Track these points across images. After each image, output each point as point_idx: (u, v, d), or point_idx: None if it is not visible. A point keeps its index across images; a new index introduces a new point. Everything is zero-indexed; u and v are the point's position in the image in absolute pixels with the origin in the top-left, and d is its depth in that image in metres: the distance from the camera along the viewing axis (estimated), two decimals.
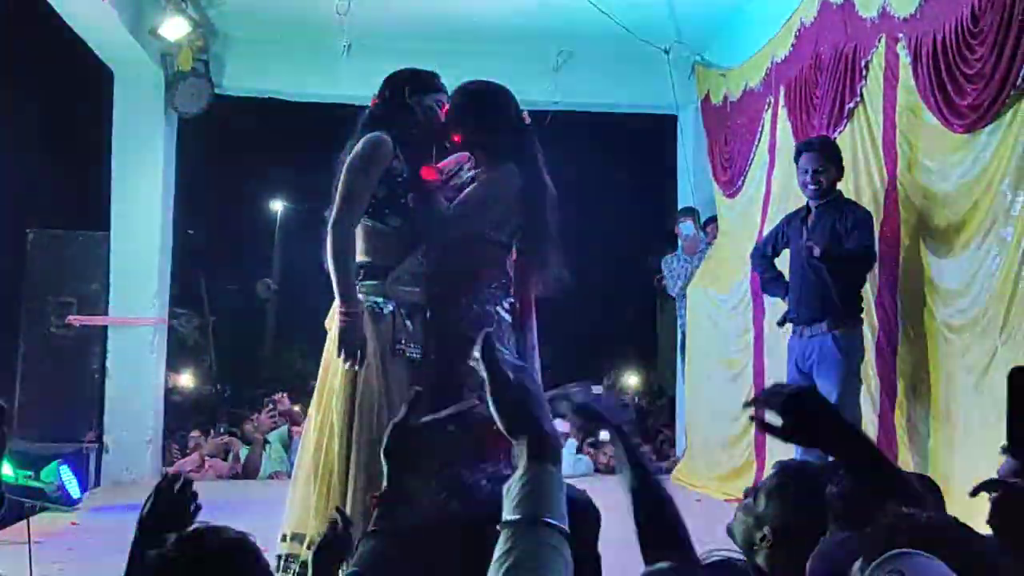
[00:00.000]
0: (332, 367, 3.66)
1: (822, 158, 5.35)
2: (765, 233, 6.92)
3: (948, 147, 5.02)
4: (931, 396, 5.07)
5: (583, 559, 1.68)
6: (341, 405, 3.58)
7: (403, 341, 3.70)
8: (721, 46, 8.48)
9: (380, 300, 3.69)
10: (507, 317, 3.87)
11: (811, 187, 5.36)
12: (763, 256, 5.84)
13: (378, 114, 3.86)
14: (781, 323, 5.61)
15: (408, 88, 3.87)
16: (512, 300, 3.91)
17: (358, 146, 3.72)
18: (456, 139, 3.96)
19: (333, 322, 3.68)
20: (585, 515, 1.98)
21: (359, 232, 3.71)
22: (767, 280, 5.88)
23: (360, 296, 3.67)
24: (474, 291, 3.83)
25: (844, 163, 5.48)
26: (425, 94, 3.87)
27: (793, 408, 1.93)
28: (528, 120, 4.04)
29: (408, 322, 3.73)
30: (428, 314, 3.81)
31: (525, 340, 3.94)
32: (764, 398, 2.01)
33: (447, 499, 1.75)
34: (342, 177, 3.69)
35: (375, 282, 3.70)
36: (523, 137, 3.98)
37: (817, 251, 5.12)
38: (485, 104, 3.99)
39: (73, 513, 6.42)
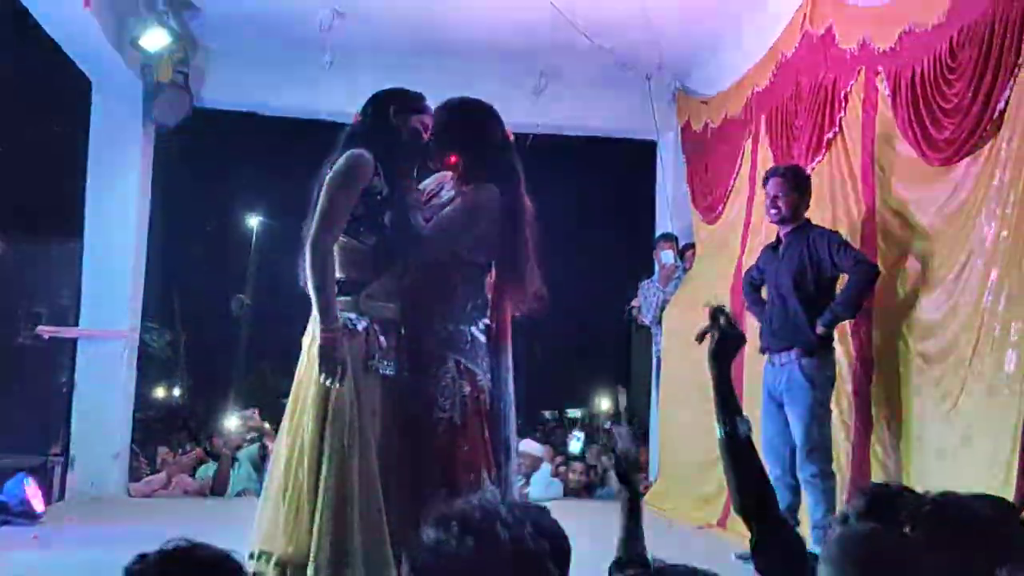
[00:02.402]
0: (305, 383, 3.62)
1: (784, 184, 5.39)
2: (744, 260, 6.96)
3: (925, 179, 5.05)
4: (904, 425, 5.07)
5: None
6: (312, 422, 3.54)
7: (376, 357, 3.67)
8: (702, 74, 8.52)
9: (354, 316, 3.66)
10: (482, 338, 3.84)
11: (772, 211, 5.42)
12: (751, 286, 5.82)
13: (360, 131, 3.84)
14: (762, 351, 5.62)
15: (392, 107, 3.85)
16: (488, 321, 3.89)
17: (339, 163, 3.70)
18: (449, 160, 3.95)
19: (311, 339, 3.64)
20: (559, 542, 1.99)
21: (335, 248, 3.68)
22: (753, 308, 5.86)
23: None
24: (449, 310, 3.80)
25: (823, 193, 5.50)
26: (409, 113, 3.85)
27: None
28: (511, 138, 4.03)
29: (382, 338, 3.70)
30: (402, 331, 3.78)
31: (500, 362, 3.91)
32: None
33: None
34: (322, 194, 3.66)
35: (349, 298, 3.67)
36: (505, 156, 3.97)
37: (821, 329, 5.14)
38: (467, 122, 3.98)
39: (36, 527, 6.31)
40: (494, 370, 3.89)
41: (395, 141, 3.80)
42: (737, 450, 2.39)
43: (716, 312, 2.50)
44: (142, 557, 1.74)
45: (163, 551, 1.75)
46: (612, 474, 2.74)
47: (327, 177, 3.69)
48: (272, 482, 3.66)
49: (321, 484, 3.46)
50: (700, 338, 2.50)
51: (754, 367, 6.41)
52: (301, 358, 3.71)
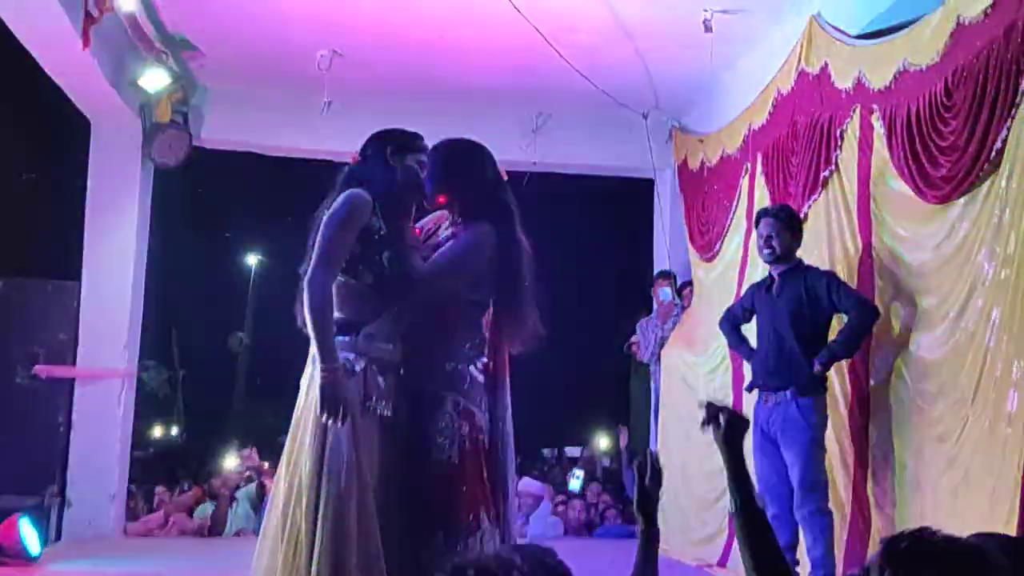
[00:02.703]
0: (302, 423, 3.61)
1: (777, 224, 5.41)
2: (742, 295, 6.96)
3: (922, 217, 5.06)
4: (902, 464, 5.06)
5: None
6: (310, 463, 3.52)
7: (374, 398, 3.66)
8: (699, 112, 8.57)
9: (352, 356, 3.65)
10: (480, 377, 3.83)
11: (765, 251, 5.44)
12: (732, 323, 5.86)
13: (358, 171, 3.86)
14: (748, 389, 5.63)
15: (390, 147, 3.87)
16: (486, 360, 3.89)
17: (336, 203, 3.70)
18: (440, 200, 3.97)
19: (308, 379, 3.63)
20: None
21: (333, 287, 3.68)
22: (734, 346, 5.91)
23: None
24: (448, 350, 3.80)
25: (819, 230, 5.52)
26: (406, 154, 3.87)
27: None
28: (505, 177, 4.04)
29: (380, 379, 3.69)
30: (401, 372, 3.77)
31: (498, 401, 3.91)
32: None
33: None
34: (319, 233, 3.67)
35: (347, 338, 3.66)
36: (499, 194, 3.98)
37: (818, 368, 5.15)
38: (461, 162, 3.99)
39: (32, 568, 6.26)
40: (492, 409, 3.87)
41: (392, 181, 3.80)
42: (752, 526, 2.41)
43: (713, 409, 2.60)
44: None
45: None
46: (634, 507, 2.83)
47: (325, 217, 3.70)
48: (270, 522, 3.63)
49: (319, 525, 3.43)
50: (704, 426, 2.60)
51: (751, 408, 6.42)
52: (299, 398, 3.70)
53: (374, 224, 3.72)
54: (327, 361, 3.53)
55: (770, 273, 5.53)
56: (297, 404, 3.68)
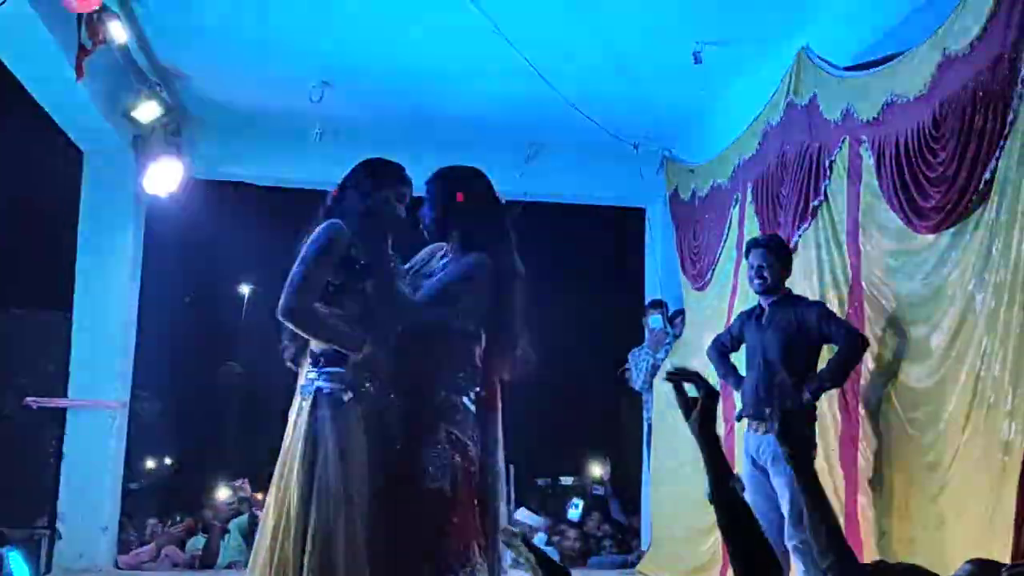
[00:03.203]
0: (290, 456, 3.60)
1: (768, 254, 5.44)
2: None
3: (912, 247, 5.08)
4: (893, 493, 5.05)
5: None
6: (297, 494, 3.51)
7: (364, 429, 3.65)
8: (690, 142, 8.61)
9: (339, 387, 3.65)
10: (472, 407, 3.83)
11: (756, 282, 5.46)
12: (720, 351, 5.87)
13: (337, 202, 3.87)
14: (738, 418, 5.64)
15: (370, 177, 3.88)
16: (478, 390, 3.88)
17: (314, 234, 3.72)
18: (440, 227, 3.99)
19: (296, 411, 3.63)
20: None
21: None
22: (722, 374, 5.90)
23: (321, 384, 3.64)
24: (440, 379, 3.79)
25: (809, 259, 5.54)
26: (388, 185, 3.88)
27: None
28: (503, 202, 4.05)
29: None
30: (391, 401, 3.77)
31: (488, 431, 3.90)
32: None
33: None
34: (296, 264, 3.68)
35: (336, 369, 3.67)
36: (496, 222, 3.99)
37: (807, 397, 5.13)
38: (457, 190, 4.00)
39: None
40: (483, 439, 3.87)
41: (371, 211, 3.82)
42: (733, 512, 2.37)
43: (679, 377, 2.55)
44: None
45: None
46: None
47: (303, 248, 3.71)
48: (258, 555, 3.61)
49: (306, 557, 3.43)
50: (688, 413, 2.49)
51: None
52: (287, 428, 3.70)
53: (353, 254, 3.73)
54: (355, 348, 3.62)
55: (759, 303, 5.55)
56: (286, 434, 3.68)
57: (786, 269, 5.50)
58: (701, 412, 2.47)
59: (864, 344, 5.19)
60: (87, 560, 7.73)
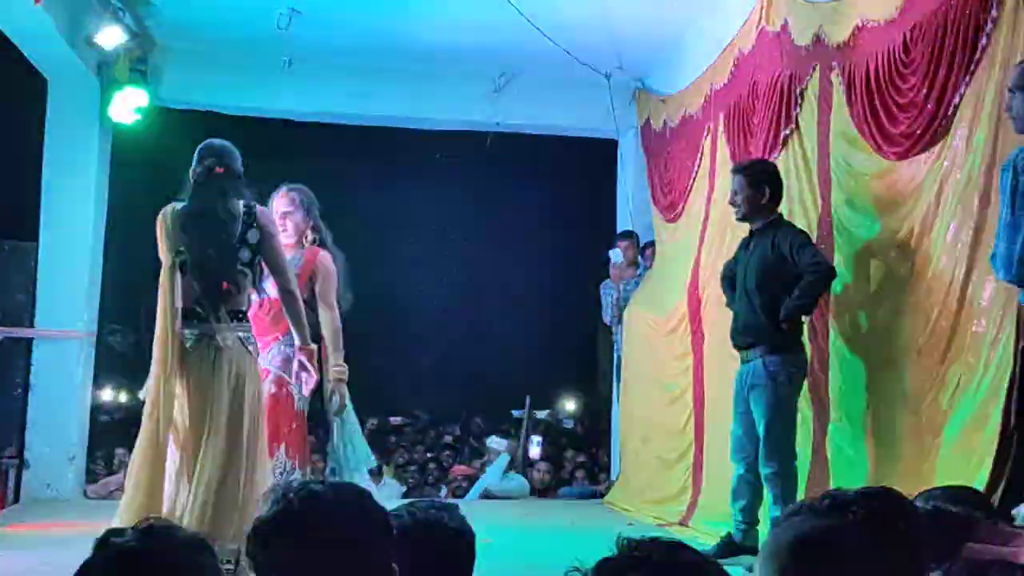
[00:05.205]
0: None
1: (741, 180, 5.32)
2: (703, 257, 6.96)
3: (882, 175, 5.07)
4: (866, 424, 5.08)
5: None
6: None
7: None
8: (662, 72, 8.54)
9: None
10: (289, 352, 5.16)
11: (732, 209, 5.41)
12: (727, 279, 5.64)
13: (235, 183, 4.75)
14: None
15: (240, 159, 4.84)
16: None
17: (271, 221, 4.81)
18: None
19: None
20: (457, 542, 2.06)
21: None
22: (729, 303, 5.65)
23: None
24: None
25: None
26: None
27: None
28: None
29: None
30: None
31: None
32: None
33: None
34: (279, 254, 4.76)
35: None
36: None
37: (782, 317, 5.09)
38: None
39: None
40: None
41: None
42: None
43: None
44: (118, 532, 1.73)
45: (139, 528, 1.75)
46: None
47: (274, 236, 4.72)
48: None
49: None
50: None
51: (713, 367, 6.47)
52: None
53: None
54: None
55: (750, 229, 5.43)
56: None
57: (762, 194, 5.27)
58: None
59: (831, 273, 5.13)
60: (54, 490, 7.73)
